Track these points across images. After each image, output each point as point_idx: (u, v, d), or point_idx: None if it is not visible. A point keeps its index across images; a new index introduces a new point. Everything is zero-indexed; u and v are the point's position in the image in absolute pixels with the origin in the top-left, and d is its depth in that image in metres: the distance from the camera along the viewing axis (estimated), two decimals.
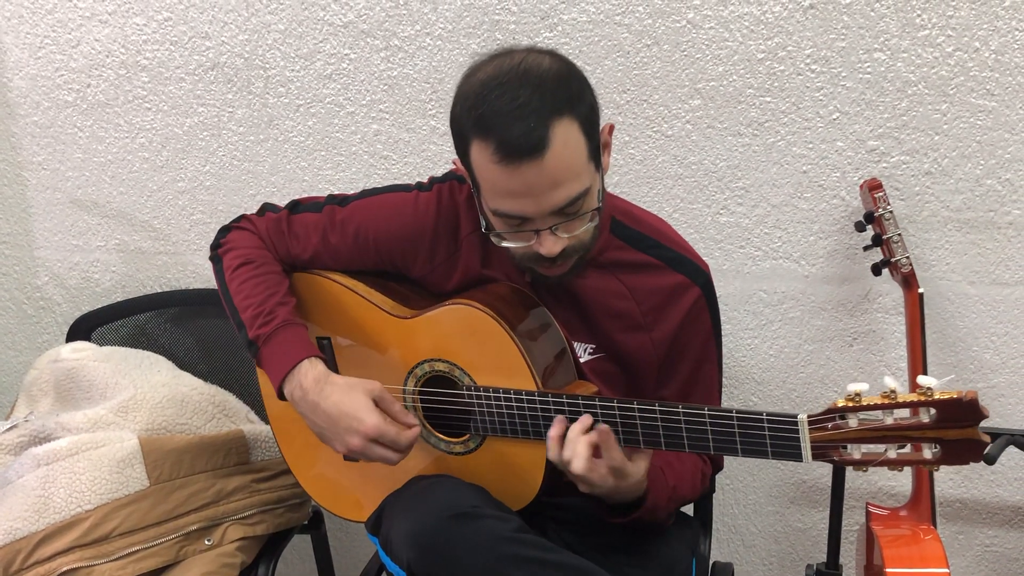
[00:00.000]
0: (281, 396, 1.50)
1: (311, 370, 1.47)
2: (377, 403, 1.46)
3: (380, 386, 1.48)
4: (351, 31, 2.03)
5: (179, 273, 2.28)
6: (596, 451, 1.37)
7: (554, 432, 1.39)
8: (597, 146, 1.38)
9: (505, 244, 1.41)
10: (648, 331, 1.52)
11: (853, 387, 1.22)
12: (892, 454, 1.22)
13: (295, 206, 1.65)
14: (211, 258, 1.66)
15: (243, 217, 1.67)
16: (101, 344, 2.09)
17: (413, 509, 1.42)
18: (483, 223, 1.44)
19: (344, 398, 1.44)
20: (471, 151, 1.35)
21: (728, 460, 1.70)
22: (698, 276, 1.53)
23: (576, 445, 1.36)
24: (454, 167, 1.48)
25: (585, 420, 1.38)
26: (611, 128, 1.43)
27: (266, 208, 1.67)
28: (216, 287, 1.63)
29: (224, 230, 1.67)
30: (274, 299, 1.54)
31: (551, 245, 1.37)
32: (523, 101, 1.29)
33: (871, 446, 1.23)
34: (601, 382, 1.53)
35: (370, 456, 1.45)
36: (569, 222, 1.36)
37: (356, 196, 1.62)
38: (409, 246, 1.57)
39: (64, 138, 2.25)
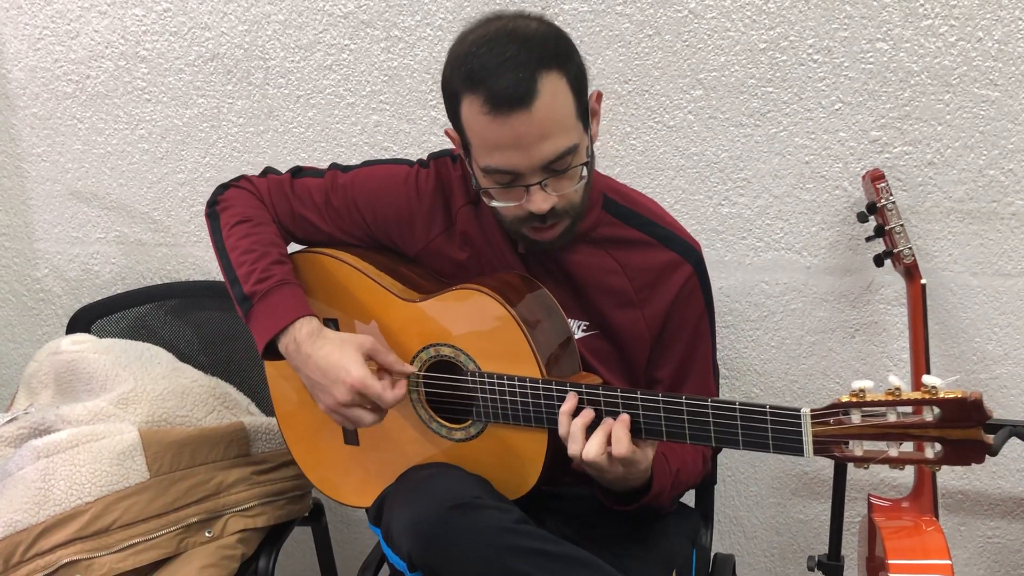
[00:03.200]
0: (266, 354, 1.50)
1: (306, 325, 1.48)
2: (371, 356, 1.47)
3: (372, 340, 1.48)
4: (351, 21, 2.02)
5: (179, 265, 2.28)
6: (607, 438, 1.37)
7: (566, 407, 1.39)
8: (586, 108, 1.40)
9: (495, 204, 1.42)
10: (640, 308, 1.53)
11: (858, 384, 1.22)
12: (894, 452, 1.22)
13: (298, 171, 1.66)
14: (207, 215, 1.65)
15: (243, 177, 1.67)
16: (101, 336, 2.08)
17: (414, 500, 1.42)
18: (474, 182, 1.45)
19: (335, 350, 1.45)
20: (461, 107, 1.37)
21: (730, 452, 1.70)
22: (689, 254, 1.54)
23: (593, 437, 1.36)
24: (452, 146, 1.49)
25: (586, 415, 1.38)
26: (599, 95, 1.45)
27: (268, 171, 1.68)
28: (212, 246, 1.62)
29: (222, 187, 1.67)
30: (270, 257, 1.54)
31: (540, 202, 1.38)
32: (511, 54, 1.32)
33: (873, 443, 1.23)
34: (594, 359, 1.54)
35: (351, 416, 1.45)
36: (558, 179, 1.38)
37: (358, 165, 1.64)
38: (405, 218, 1.59)
39: (63, 130, 2.25)
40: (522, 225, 1.44)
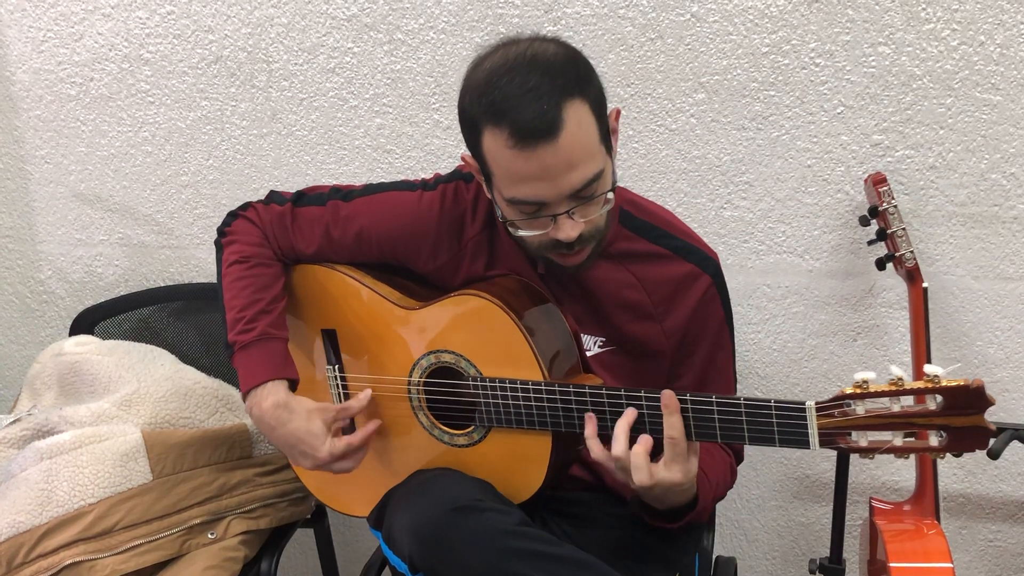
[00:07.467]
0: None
1: (272, 394, 1.50)
2: (336, 418, 1.54)
3: (331, 407, 1.53)
4: (354, 25, 2.03)
5: (182, 267, 2.28)
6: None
7: (589, 431, 1.38)
8: (607, 129, 1.38)
9: (521, 233, 1.40)
10: (659, 321, 1.51)
11: (860, 375, 1.22)
12: (898, 441, 1.23)
13: (300, 198, 1.64)
14: (215, 243, 1.66)
15: (249, 205, 1.67)
16: (104, 338, 2.09)
17: (415, 503, 1.42)
18: (498, 213, 1.42)
19: (301, 426, 1.50)
20: (483, 139, 1.34)
21: None
22: (707, 265, 1.53)
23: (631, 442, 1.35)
24: (462, 163, 1.48)
25: (630, 414, 1.37)
26: (618, 113, 1.43)
27: (272, 198, 1.66)
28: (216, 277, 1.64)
29: (231, 216, 1.67)
30: (258, 305, 1.55)
31: (569, 229, 1.35)
32: (533, 84, 1.29)
33: (878, 433, 1.23)
34: (610, 375, 1.53)
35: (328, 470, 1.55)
36: (585, 206, 1.35)
37: (360, 191, 1.62)
38: (412, 246, 1.57)
39: (67, 132, 2.25)
40: (548, 251, 1.41)
